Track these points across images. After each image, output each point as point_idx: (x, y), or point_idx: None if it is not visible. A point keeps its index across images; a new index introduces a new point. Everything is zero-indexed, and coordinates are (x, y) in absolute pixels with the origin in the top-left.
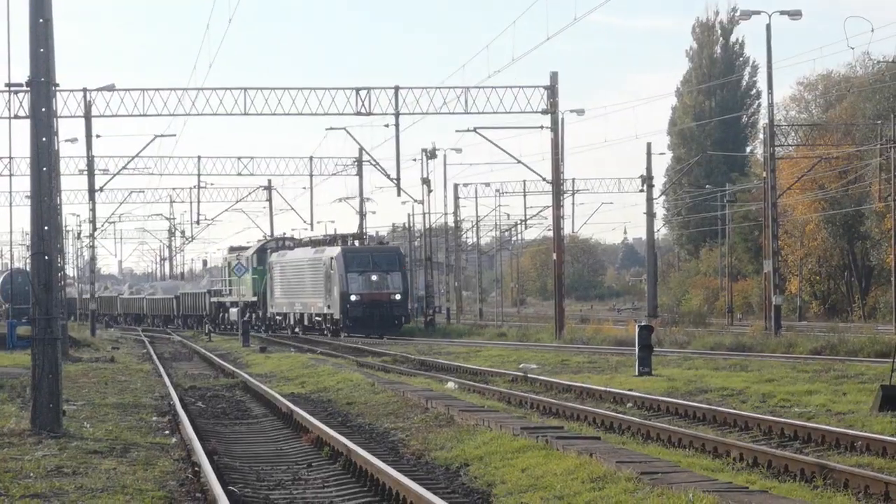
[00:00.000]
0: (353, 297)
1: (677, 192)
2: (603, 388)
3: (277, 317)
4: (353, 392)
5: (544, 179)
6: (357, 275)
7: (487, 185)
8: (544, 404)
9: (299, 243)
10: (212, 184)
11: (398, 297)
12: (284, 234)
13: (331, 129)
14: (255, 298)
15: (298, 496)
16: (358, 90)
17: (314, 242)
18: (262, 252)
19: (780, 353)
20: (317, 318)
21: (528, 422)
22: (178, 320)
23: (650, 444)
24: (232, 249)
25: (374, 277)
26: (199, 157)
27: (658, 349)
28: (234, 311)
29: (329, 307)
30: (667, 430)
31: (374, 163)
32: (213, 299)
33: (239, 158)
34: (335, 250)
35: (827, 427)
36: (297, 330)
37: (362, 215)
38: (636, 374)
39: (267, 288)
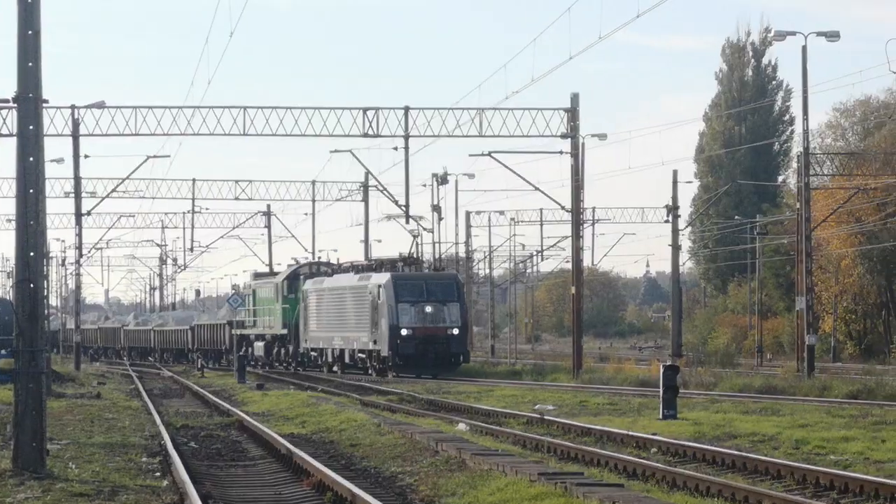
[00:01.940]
0: (404, 332)
1: (704, 223)
2: (625, 432)
3: (312, 352)
4: (357, 433)
5: (563, 208)
6: (409, 306)
7: (502, 213)
8: (562, 448)
9: (339, 268)
10: (207, 208)
11: (456, 331)
12: (319, 257)
13: (335, 151)
14: (284, 331)
15: None
16: (365, 110)
17: (357, 268)
18: (293, 278)
19: (813, 397)
20: (360, 354)
21: (546, 467)
22: (194, 355)
23: (676, 492)
24: (257, 275)
25: (428, 309)
26: (193, 180)
27: (683, 391)
28: (259, 345)
29: (375, 342)
30: (694, 477)
31: (381, 188)
32: (236, 331)
33: (236, 182)
34: (383, 277)
35: (865, 476)
36: (335, 368)
37: (367, 243)
38: (660, 417)
39: (300, 319)
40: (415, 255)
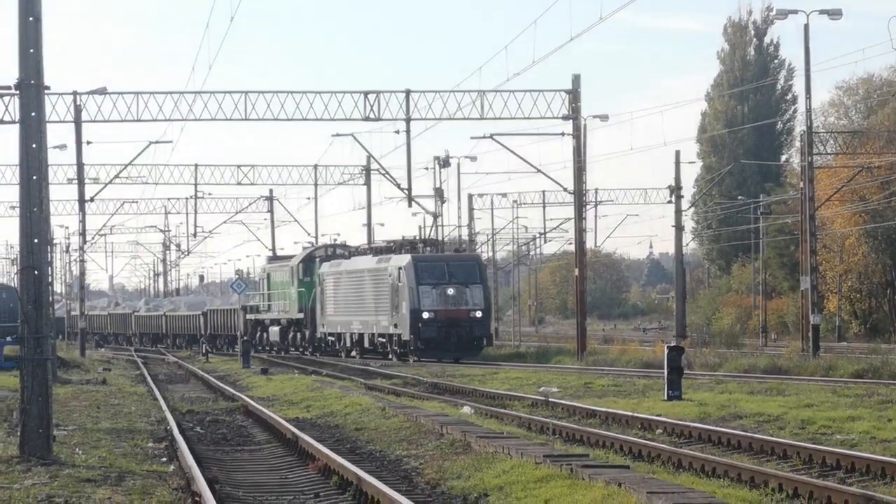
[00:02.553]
0: (425, 315)
1: (707, 204)
2: (630, 414)
3: (330, 337)
4: (362, 417)
5: (565, 190)
6: (430, 288)
7: (504, 195)
8: (567, 430)
9: (355, 251)
10: (210, 194)
11: (479, 314)
12: (335, 239)
13: (337, 135)
14: (300, 315)
15: None
16: (366, 94)
17: (375, 250)
18: (309, 261)
19: (818, 377)
20: (380, 339)
21: (551, 449)
22: (204, 340)
23: (682, 473)
24: (271, 259)
25: (450, 291)
26: (196, 166)
27: (687, 372)
28: (274, 329)
29: (396, 326)
30: (700, 458)
31: (383, 172)
32: (250, 316)
33: (239, 167)
34: (404, 259)
35: (872, 455)
36: (353, 353)
37: (370, 227)
38: (665, 398)
39: (317, 303)
40: (433, 237)
